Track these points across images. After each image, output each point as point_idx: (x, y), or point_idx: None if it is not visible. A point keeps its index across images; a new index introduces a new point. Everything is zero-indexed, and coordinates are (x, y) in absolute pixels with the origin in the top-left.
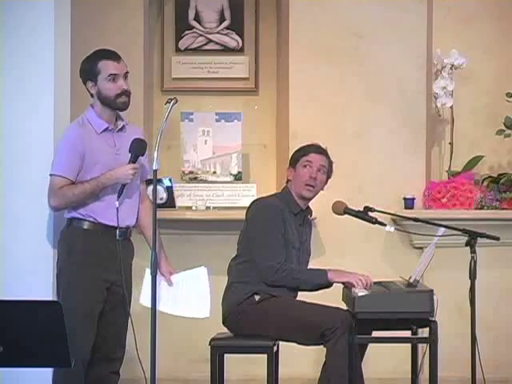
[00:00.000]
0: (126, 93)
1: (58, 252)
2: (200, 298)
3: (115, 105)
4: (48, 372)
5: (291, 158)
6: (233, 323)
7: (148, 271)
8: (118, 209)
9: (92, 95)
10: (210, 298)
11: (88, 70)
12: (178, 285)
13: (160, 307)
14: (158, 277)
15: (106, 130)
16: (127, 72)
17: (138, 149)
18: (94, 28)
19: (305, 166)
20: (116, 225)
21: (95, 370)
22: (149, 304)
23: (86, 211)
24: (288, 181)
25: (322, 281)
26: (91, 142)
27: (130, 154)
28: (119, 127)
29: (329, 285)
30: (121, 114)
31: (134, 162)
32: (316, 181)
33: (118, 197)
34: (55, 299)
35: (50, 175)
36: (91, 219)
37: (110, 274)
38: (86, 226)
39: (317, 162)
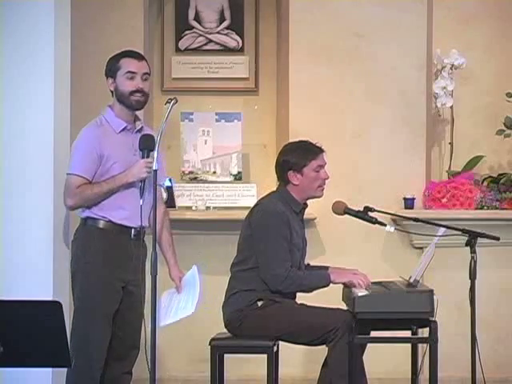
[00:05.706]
0: (142, 92)
1: (73, 251)
2: (192, 297)
3: (129, 102)
4: (48, 372)
5: (293, 161)
6: (235, 328)
7: (164, 294)
8: (141, 207)
9: (112, 93)
10: (200, 295)
11: (110, 67)
12: (179, 292)
13: (167, 321)
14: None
15: (124, 129)
16: (147, 73)
17: (148, 143)
18: (93, 28)
19: (317, 172)
20: (130, 225)
21: (108, 370)
22: (169, 321)
23: (101, 211)
24: (287, 183)
25: (324, 284)
26: (110, 141)
27: (140, 152)
28: (137, 128)
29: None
30: (139, 116)
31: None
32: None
33: (141, 194)
34: (57, 299)
35: (67, 174)
36: (106, 219)
37: (125, 273)
38: (101, 225)
39: (324, 161)
